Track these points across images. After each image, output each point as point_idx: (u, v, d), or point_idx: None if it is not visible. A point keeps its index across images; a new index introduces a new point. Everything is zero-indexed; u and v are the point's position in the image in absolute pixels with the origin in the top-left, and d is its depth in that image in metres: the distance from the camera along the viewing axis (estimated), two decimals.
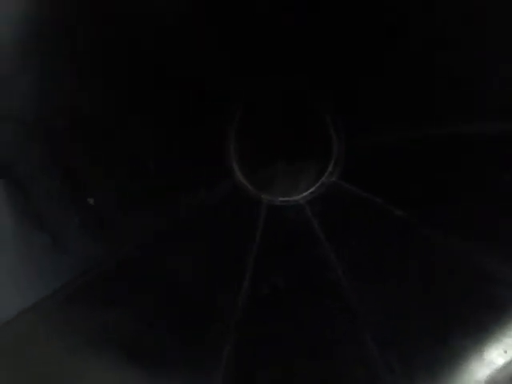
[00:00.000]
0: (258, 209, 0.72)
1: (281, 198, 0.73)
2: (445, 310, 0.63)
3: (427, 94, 0.67)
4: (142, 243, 0.65)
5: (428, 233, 0.65)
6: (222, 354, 0.62)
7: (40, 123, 0.61)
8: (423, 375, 0.61)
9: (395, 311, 0.64)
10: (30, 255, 0.61)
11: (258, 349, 0.64)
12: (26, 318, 0.58)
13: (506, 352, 0.59)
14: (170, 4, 0.65)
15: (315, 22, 0.67)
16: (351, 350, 0.64)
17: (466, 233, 0.64)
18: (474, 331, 0.61)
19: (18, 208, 0.61)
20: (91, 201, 0.62)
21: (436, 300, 0.63)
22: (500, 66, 0.63)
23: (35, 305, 0.59)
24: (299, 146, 0.73)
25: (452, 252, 0.64)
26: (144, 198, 0.67)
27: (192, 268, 0.66)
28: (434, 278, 0.65)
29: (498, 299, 0.61)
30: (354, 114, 0.72)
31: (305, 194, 0.73)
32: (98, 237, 0.63)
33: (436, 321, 0.63)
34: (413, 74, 0.68)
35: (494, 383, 0.58)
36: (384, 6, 0.65)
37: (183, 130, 0.70)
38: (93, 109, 0.64)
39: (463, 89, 0.66)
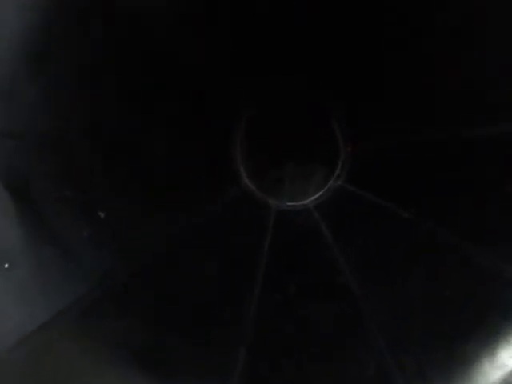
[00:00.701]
0: (266, 214, 0.72)
1: (288, 203, 0.73)
2: (454, 312, 0.63)
3: (429, 96, 0.68)
4: (153, 253, 0.65)
5: (435, 234, 0.66)
6: (236, 361, 0.63)
7: (49, 136, 0.61)
8: (436, 377, 0.62)
9: (404, 313, 0.65)
10: (41, 270, 0.61)
11: (271, 354, 0.65)
12: (39, 334, 0.58)
13: None
14: (169, 4, 0.65)
15: (318, 27, 0.67)
16: (363, 352, 0.64)
17: (472, 233, 0.64)
18: (485, 334, 0.62)
19: (28, 222, 0.60)
20: (102, 215, 0.62)
21: (445, 302, 0.64)
22: (500, 68, 0.63)
23: (49, 321, 0.59)
24: (306, 151, 0.73)
25: (460, 253, 0.65)
26: (154, 208, 0.67)
27: (203, 276, 0.66)
28: (442, 278, 0.65)
29: (507, 301, 0.62)
30: (359, 118, 0.72)
31: (312, 198, 0.73)
32: (109, 250, 0.63)
33: (446, 323, 0.63)
34: (415, 76, 0.68)
35: None
36: (384, 7, 0.65)
37: (189, 136, 0.70)
38: (104, 120, 0.64)
39: (465, 92, 0.66)
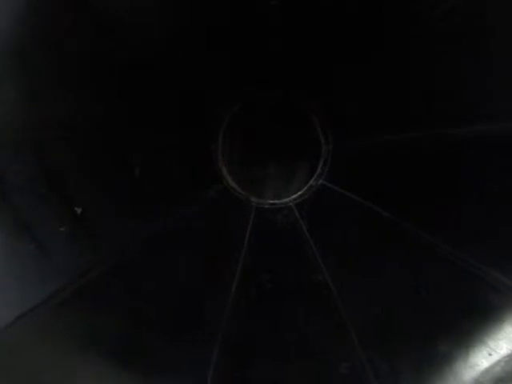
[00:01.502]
0: (246, 211, 0.72)
1: (270, 201, 0.74)
2: (430, 312, 0.63)
3: (411, 95, 0.68)
4: (131, 250, 0.66)
5: (414, 235, 0.66)
6: (211, 358, 0.63)
7: (27, 133, 0.62)
8: (408, 377, 0.62)
9: (381, 313, 0.65)
10: (16, 265, 0.61)
11: (246, 351, 0.65)
12: (15, 327, 0.59)
13: (490, 355, 0.59)
14: (165, 16, 0.65)
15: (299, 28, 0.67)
16: (338, 351, 0.64)
17: (452, 235, 0.64)
18: (459, 334, 0.62)
19: (4, 217, 0.61)
20: (78, 210, 0.63)
21: (421, 302, 0.64)
22: (493, 68, 0.63)
23: (24, 314, 0.59)
24: (287, 149, 0.74)
25: (438, 254, 0.64)
26: (132, 204, 0.67)
27: (181, 272, 0.67)
28: (419, 279, 0.65)
29: (483, 302, 0.62)
30: (341, 117, 0.72)
31: (293, 196, 0.73)
32: (85, 245, 0.64)
33: (421, 323, 0.63)
34: (399, 78, 0.68)
35: None
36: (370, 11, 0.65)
37: (171, 134, 0.71)
38: (81, 118, 0.64)
39: (449, 92, 0.66)
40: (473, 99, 0.63)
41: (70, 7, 0.62)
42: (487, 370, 0.59)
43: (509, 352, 0.59)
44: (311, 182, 0.74)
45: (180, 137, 0.71)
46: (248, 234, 0.70)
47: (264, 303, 0.67)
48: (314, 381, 0.63)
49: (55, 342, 0.62)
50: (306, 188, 0.74)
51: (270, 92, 0.73)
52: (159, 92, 0.69)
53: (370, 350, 0.63)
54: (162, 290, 0.66)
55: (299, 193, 0.74)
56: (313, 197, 0.73)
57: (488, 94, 0.63)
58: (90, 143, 0.65)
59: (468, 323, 0.62)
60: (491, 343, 0.60)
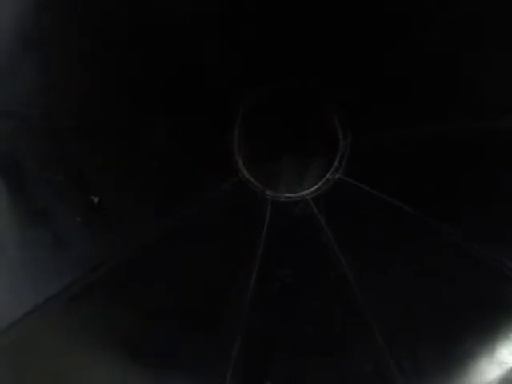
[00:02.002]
0: (262, 205, 0.71)
1: (286, 194, 0.72)
2: (453, 309, 0.62)
3: (431, 90, 0.67)
4: (147, 242, 0.64)
5: (437, 229, 0.65)
6: (230, 355, 0.61)
7: (44, 120, 0.59)
8: (433, 374, 0.61)
9: (404, 309, 0.64)
10: (31, 255, 0.59)
11: (266, 345, 0.63)
12: (29, 319, 0.57)
13: None
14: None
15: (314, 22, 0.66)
16: (361, 347, 0.63)
17: (475, 230, 0.63)
18: (483, 330, 0.61)
19: (19, 206, 0.59)
20: (95, 199, 0.60)
21: (445, 298, 0.63)
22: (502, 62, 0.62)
23: (38, 306, 0.57)
24: (304, 142, 0.72)
25: (461, 249, 0.63)
26: (149, 196, 0.65)
27: (198, 266, 0.65)
28: (443, 275, 0.64)
29: (506, 298, 0.61)
30: (359, 111, 0.71)
31: (310, 190, 0.72)
32: (102, 236, 0.62)
33: (444, 319, 0.62)
34: (416, 71, 0.67)
35: (506, 383, 0.58)
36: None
37: (187, 127, 0.69)
38: (100, 107, 0.62)
39: (468, 86, 0.65)
40: (499, 91, 0.63)
41: None
42: None
43: None
44: (328, 175, 0.72)
45: (195, 129, 0.69)
46: (266, 228, 0.68)
47: (283, 298, 0.65)
48: (336, 378, 0.62)
49: (68, 335, 0.60)
50: (322, 182, 0.72)
51: (287, 84, 0.72)
52: (176, 84, 0.67)
53: (393, 346, 0.61)
54: (177, 284, 0.64)
55: (316, 186, 0.72)
56: (329, 190, 0.71)
57: None
58: (109, 132, 0.62)
59: (492, 319, 0.61)
60: None
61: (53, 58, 0.59)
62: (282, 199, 0.72)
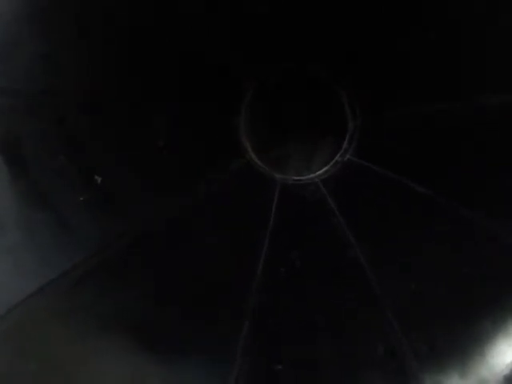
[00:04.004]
0: (271, 188, 0.69)
1: (294, 177, 0.70)
2: (470, 288, 0.60)
3: (439, 66, 0.65)
4: (152, 224, 0.62)
5: (453, 209, 0.63)
6: (239, 338, 0.60)
7: (46, 97, 0.58)
8: (449, 356, 0.59)
9: (418, 292, 0.62)
10: (33, 237, 0.58)
11: (276, 331, 0.62)
12: (31, 302, 0.55)
13: None
14: None
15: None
16: (374, 330, 0.61)
17: (492, 208, 0.61)
18: (502, 311, 0.59)
19: (21, 187, 0.57)
20: (98, 179, 0.59)
21: (461, 278, 0.61)
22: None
23: (41, 289, 0.56)
24: (313, 124, 0.71)
25: (477, 229, 0.62)
26: (155, 177, 0.64)
27: (206, 249, 0.63)
28: (457, 256, 0.62)
29: None
30: (368, 91, 0.69)
31: (319, 172, 0.70)
32: (106, 217, 0.60)
33: (461, 300, 0.61)
34: (425, 47, 0.65)
35: None
36: None
37: (194, 109, 0.68)
38: (103, 85, 0.61)
39: (476, 59, 0.63)
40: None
41: None
42: None
43: None
44: (337, 157, 0.71)
45: (203, 110, 0.68)
46: (274, 211, 0.66)
47: (294, 281, 0.63)
48: (348, 362, 0.60)
49: (72, 319, 0.58)
50: (331, 164, 0.70)
51: (295, 65, 0.70)
52: (184, 66, 0.65)
53: (407, 329, 0.59)
54: (186, 266, 0.62)
55: (325, 168, 0.70)
56: (340, 173, 0.70)
57: None
58: (112, 111, 0.61)
59: (509, 299, 0.59)
60: None
61: (53, 33, 0.58)
62: (290, 182, 0.70)
